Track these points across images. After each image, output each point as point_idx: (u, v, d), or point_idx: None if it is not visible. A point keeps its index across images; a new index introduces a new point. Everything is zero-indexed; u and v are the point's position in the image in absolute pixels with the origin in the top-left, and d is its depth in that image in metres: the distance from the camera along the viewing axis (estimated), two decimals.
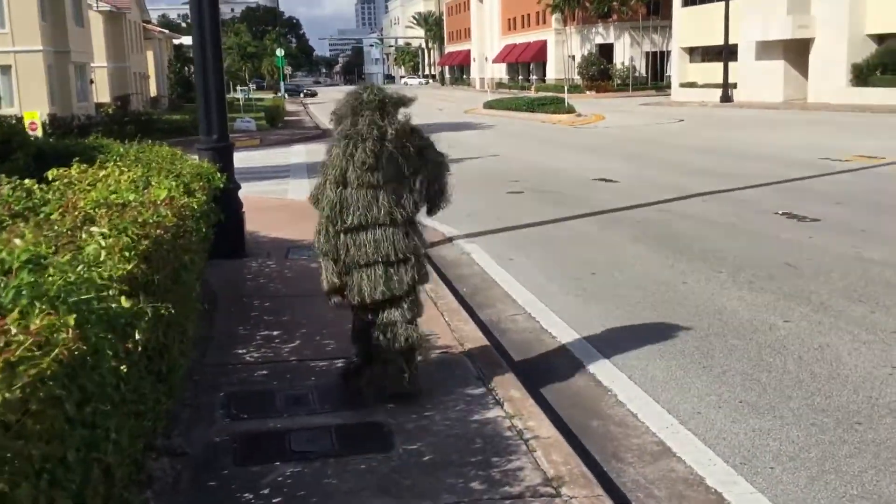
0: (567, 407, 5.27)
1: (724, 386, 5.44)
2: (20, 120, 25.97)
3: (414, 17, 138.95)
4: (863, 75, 38.04)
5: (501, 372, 5.47)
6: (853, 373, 5.53)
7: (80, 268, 2.43)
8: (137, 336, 2.59)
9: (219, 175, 7.28)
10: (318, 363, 5.71)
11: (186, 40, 79.47)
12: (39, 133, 23.34)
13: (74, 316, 2.00)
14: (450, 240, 10.66)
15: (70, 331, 1.96)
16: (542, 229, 11.17)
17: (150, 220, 3.35)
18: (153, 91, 64.11)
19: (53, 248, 2.78)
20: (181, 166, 6.56)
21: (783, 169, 16.13)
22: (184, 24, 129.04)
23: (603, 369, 5.85)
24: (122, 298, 2.39)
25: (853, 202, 12.10)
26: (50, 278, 2.22)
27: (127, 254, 2.74)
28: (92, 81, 45.92)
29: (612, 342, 6.41)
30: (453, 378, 5.37)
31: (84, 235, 2.88)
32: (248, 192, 14.64)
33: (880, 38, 38.66)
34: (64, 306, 2.12)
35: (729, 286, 7.86)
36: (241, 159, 22.28)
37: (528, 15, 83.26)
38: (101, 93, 49.36)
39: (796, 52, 42.83)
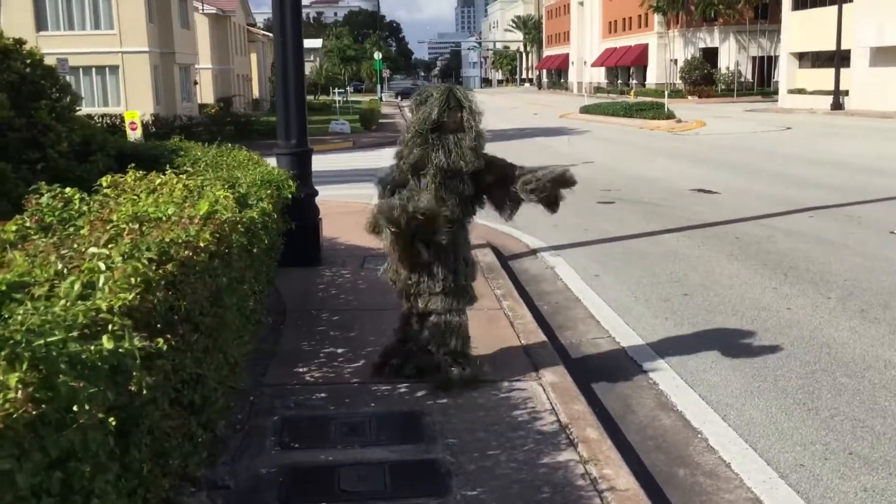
0: (650, 450, 4.74)
1: (831, 433, 4.80)
2: (122, 119, 26.74)
3: (513, 21, 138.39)
4: None
5: (578, 407, 4.97)
6: None
7: (61, 302, 2.10)
8: (138, 378, 2.24)
9: (290, 183, 7.00)
10: (381, 387, 5.33)
11: None
12: (139, 133, 23.91)
13: (16, 375, 1.65)
14: (534, 252, 10.17)
15: (19, 389, 1.62)
16: (632, 243, 10.55)
17: (180, 240, 3.02)
18: (255, 93, 65.55)
19: (58, 271, 2.47)
20: (244, 174, 6.28)
21: None
22: None
23: (693, 407, 5.28)
24: (105, 338, 2.04)
25: None
26: (19, 316, 1.89)
27: (132, 281, 2.40)
28: (196, 83, 47.15)
29: (705, 375, 5.82)
30: (524, 411, 4.90)
31: (87, 259, 2.55)
32: (333, 196, 14.54)
33: None
34: (28, 353, 1.77)
35: (839, 314, 7.13)
36: (331, 162, 22.41)
37: (630, 18, 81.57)
38: (206, 94, 50.71)
39: None
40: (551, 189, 5.32)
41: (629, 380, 5.84)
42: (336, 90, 59.47)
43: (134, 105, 34.56)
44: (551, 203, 5.41)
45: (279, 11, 8.54)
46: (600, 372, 5.99)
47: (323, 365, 5.76)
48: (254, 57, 66.22)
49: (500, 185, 5.37)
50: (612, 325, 7.08)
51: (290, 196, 6.95)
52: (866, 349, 6.21)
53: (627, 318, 7.29)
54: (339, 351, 6.05)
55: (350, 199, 14.80)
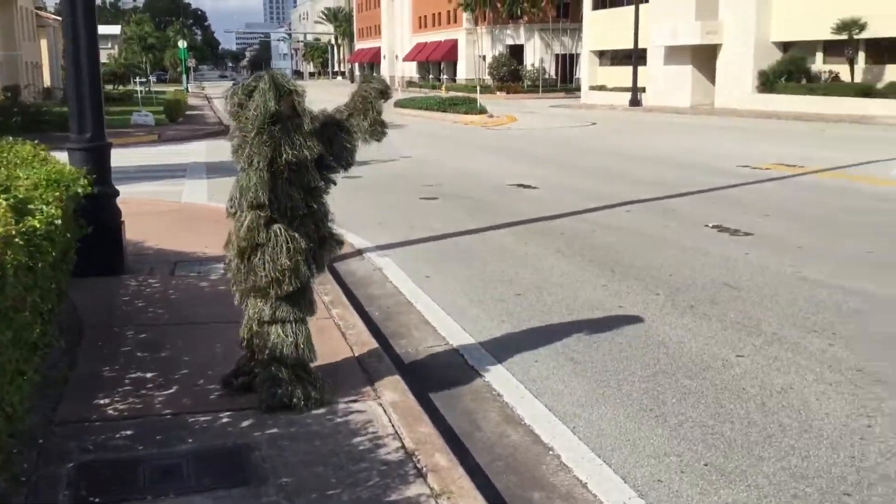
0: (501, 472, 4.38)
1: (683, 442, 4.64)
2: None
3: (323, 13, 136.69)
4: (768, 82, 38.65)
5: (423, 429, 4.53)
6: (826, 424, 4.81)
7: None
8: None
9: (84, 181, 6.11)
10: (199, 418, 4.65)
11: None
12: None
13: None
14: (360, 252, 9.67)
15: None
16: (460, 241, 10.29)
17: None
18: (47, 81, 60.66)
19: None
20: (27, 173, 5.37)
21: (704, 176, 15.72)
22: None
23: (541, 419, 4.98)
24: None
25: (782, 214, 11.64)
26: None
27: None
28: None
29: (548, 383, 5.56)
30: (365, 437, 4.41)
31: None
32: (138, 194, 13.35)
33: (785, 46, 39.39)
34: None
35: (669, 311, 7.13)
36: (134, 156, 20.82)
37: (439, 13, 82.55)
38: None
39: (704, 58, 43.31)
40: (375, 101, 4.92)
41: (472, 392, 5.48)
42: (138, 80, 56.03)
43: None
44: (377, 128, 4.94)
45: None
46: (441, 384, 5.59)
47: (128, 394, 4.99)
48: (44, 43, 61.25)
49: (335, 138, 4.87)
50: (449, 331, 6.71)
51: (83, 197, 6.07)
52: (702, 347, 6.19)
53: (463, 322, 6.95)
54: (148, 375, 5.29)
55: (157, 197, 13.68)
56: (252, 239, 4.60)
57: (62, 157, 7.73)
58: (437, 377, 5.73)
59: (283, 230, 4.62)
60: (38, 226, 4.21)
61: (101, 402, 4.86)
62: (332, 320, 6.54)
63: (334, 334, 6.21)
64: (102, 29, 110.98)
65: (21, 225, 3.74)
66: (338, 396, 4.94)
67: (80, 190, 5.81)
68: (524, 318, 7.05)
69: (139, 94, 46.73)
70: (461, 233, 10.74)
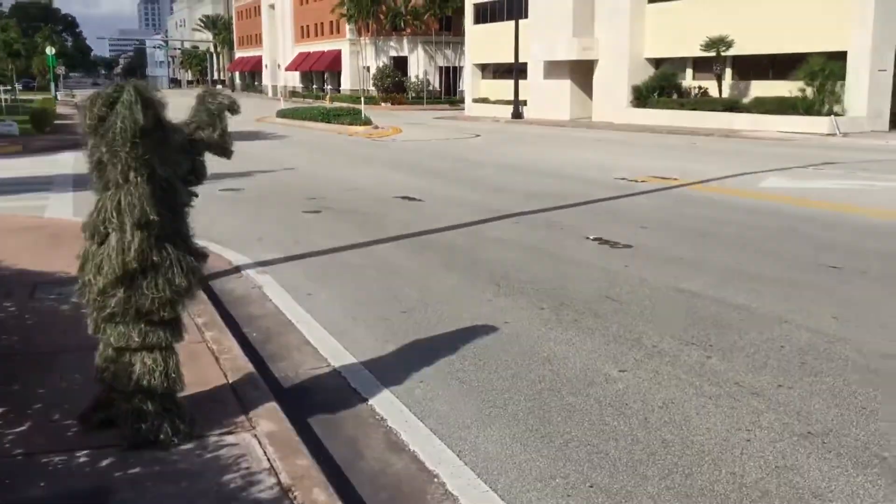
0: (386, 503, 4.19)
1: (569, 463, 4.56)
2: None
3: (201, 20, 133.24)
4: (642, 97, 39.96)
5: (301, 462, 4.28)
6: (707, 440, 4.84)
7: None
8: None
9: None
10: (54, 458, 4.26)
11: None
12: None
13: None
14: (238, 270, 9.29)
15: None
16: (344, 256, 10.04)
17: None
18: None
19: None
20: None
21: (585, 188, 15.99)
22: None
23: (426, 444, 4.82)
24: None
25: (659, 226, 11.92)
26: None
27: None
28: None
29: (433, 405, 5.40)
30: (237, 474, 4.13)
31: None
32: None
33: (657, 62, 40.86)
34: None
35: (554, 325, 7.11)
36: None
37: (322, 24, 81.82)
38: None
39: (582, 73, 44.46)
40: (222, 117, 4.62)
41: (355, 417, 5.26)
42: (1, 88, 53.07)
43: None
44: (224, 144, 4.67)
45: None
46: (323, 409, 5.36)
47: None
48: None
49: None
50: (331, 352, 6.47)
51: None
52: (586, 362, 6.17)
53: (346, 342, 6.72)
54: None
55: (17, 212, 12.84)
56: (144, 260, 4.23)
57: None
58: (318, 402, 5.49)
59: (173, 249, 4.31)
60: None
61: None
62: (205, 344, 6.19)
63: (207, 360, 5.87)
64: None
65: None
66: (209, 429, 4.64)
67: None
68: (409, 336, 6.88)
69: (3, 103, 44.29)
70: (346, 247, 10.50)
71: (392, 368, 6.08)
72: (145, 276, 4.25)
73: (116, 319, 4.35)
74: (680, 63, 39.64)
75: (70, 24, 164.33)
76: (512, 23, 45.97)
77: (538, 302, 7.87)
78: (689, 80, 39.47)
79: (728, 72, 36.95)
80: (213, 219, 12.46)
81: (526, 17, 46.31)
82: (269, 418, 4.84)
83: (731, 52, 35.25)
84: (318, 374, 6.03)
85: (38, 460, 4.23)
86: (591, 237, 11.01)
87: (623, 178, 17.58)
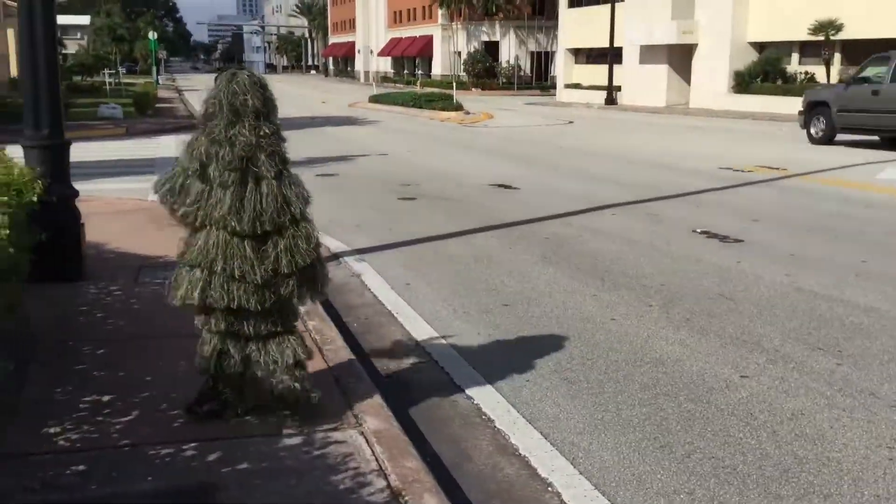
0: None
1: (693, 478, 4.25)
2: None
3: (297, 6, 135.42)
4: (744, 82, 38.57)
5: (410, 464, 4.10)
6: (845, 456, 4.45)
7: None
8: None
9: (37, 185, 5.61)
10: (161, 450, 4.19)
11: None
12: None
13: None
14: (336, 257, 9.21)
15: None
16: (441, 245, 9.86)
17: None
18: (13, 72, 59.19)
19: None
20: None
21: (686, 178, 15.41)
22: None
23: (537, 449, 4.58)
24: None
25: (771, 220, 11.34)
26: None
27: None
28: None
29: (542, 406, 5.15)
30: (346, 475, 3.97)
31: None
32: (101, 192, 12.78)
33: (761, 47, 39.35)
34: None
35: (664, 325, 6.76)
36: (100, 151, 20.14)
37: (415, 9, 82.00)
38: None
39: (680, 57, 43.19)
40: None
41: (461, 416, 5.06)
42: (107, 71, 54.92)
43: None
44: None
45: None
46: (427, 407, 5.17)
47: (83, 421, 4.51)
48: (10, 32, 59.68)
49: None
50: (433, 346, 6.29)
51: (35, 201, 5.57)
52: (702, 366, 5.82)
53: (447, 335, 6.53)
54: (105, 399, 4.81)
55: (122, 195, 13.11)
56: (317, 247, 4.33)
57: (19, 153, 7.22)
58: (421, 398, 5.31)
59: None
60: None
61: (53, 431, 4.38)
62: (307, 333, 6.08)
63: (312, 349, 5.74)
64: (72, 19, 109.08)
65: None
66: (315, 423, 4.50)
67: (34, 197, 5.30)
68: (512, 331, 6.64)
69: (108, 86, 45.84)
70: (442, 236, 10.32)
71: (496, 365, 5.85)
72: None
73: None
74: (785, 47, 38.06)
75: (171, 9, 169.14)
76: (608, 6, 44.96)
77: (645, 298, 7.52)
78: (794, 66, 37.88)
79: (837, 57, 35.29)
80: (311, 205, 12.46)
81: None
82: (375, 415, 4.68)
83: (841, 35, 33.63)
84: (421, 368, 5.86)
85: (145, 452, 4.16)
86: (699, 230, 10.54)
87: (728, 168, 16.89)
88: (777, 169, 16.73)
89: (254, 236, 4.15)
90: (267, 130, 4.16)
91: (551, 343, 6.31)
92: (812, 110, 22.42)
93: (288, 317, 4.43)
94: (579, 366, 5.84)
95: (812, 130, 22.22)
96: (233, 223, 4.11)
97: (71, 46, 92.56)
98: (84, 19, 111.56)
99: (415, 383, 5.57)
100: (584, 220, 11.34)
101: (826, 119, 21.74)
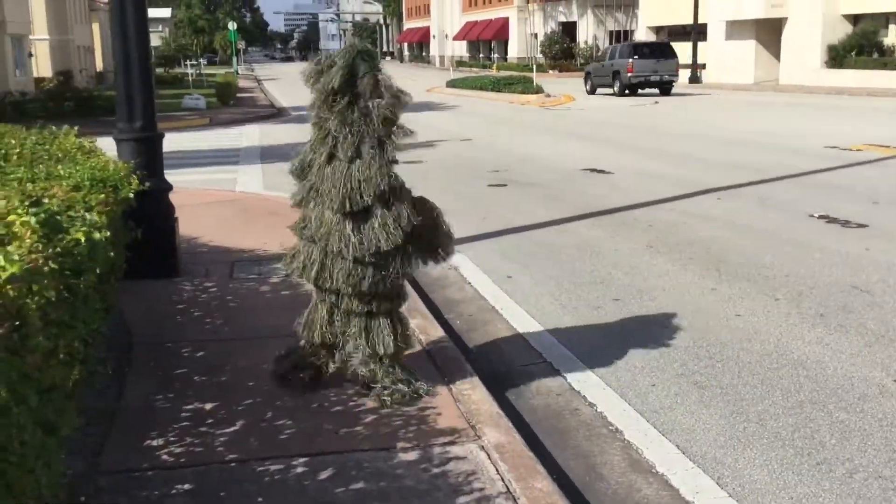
0: None
1: (861, 501, 3.74)
2: None
3: None
4: (838, 57, 36.90)
5: (540, 485, 3.70)
6: None
7: None
8: None
9: (132, 180, 5.39)
10: (270, 466, 3.89)
11: None
12: None
13: None
14: None
15: None
16: (539, 234, 9.41)
17: None
18: (99, 66, 60.81)
19: None
20: (68, 170, 4.65)
21: (790, 159, 14.57)
22: None
23: (675, 466, 4.12)
24: None
25: (892, 202, 10.54)
26: None
27: None
28: (31, 55, 42.94)
29: (674, 415, 4.69)
30: (470, 497, 3.60)
31: None
32: (189, 183, 12.70)
33: (855, 19, 37.55)
34: None
35: (796, 321, 6.19)
36: (185, 141, 20.26)
37: None
38: (42, 67, 46.35)
39: (768, 32, 41.60)
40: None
41: (585, 425, 4.63)
42: (188, 62, 55.92)
43: None
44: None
45: None
46: (546, 415, 4.77)
47: (185, 432, 4.25)
48: (96, 27, 61.36)
49: None
50: (543, 345, 5.87)
51: (132, 197, 5.35)
52: (848, 369, 5.26)
53: (557, 332, 6.10)
54: (207, 407, 4.55)
55: (210, 185, 13.04)
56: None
57: (111, 143, 7.07)
58: (539, 406, 4.91)
59: None
60: (80, 238, 3.46)
61: (154, 443, 4.13)
62: (412, 335, 5.72)
63: (415, 351, 5.39)
64: (153, 12, 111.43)
65: (54, 245, 2.98)
66: (431, 436, 4.15)
67: (130, 194, 5.07)
68: (628, 328, 6.17)
69: (190, 77, 46.60)
70: (538, 224, 9.87)
71: (616, 367, 5.41)
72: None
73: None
74: (881, 19, 36.20)
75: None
76: None
77: (770, 291, 6.94)
78: (891, 38, 36.01)
79: None
80: None
81: None
82: (493, 426, 4.29)
83: None
84: (534, 371, 5.44)
85: (254, 469, 3.86)
86: (816, 215, 9.83)
87: (834, 147, 15.94)
88: (888, 147, 15.71)
89: (351, 214, 4.28)
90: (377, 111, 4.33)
91: (673, 342, 5.82)
92: None
93: (387, 299, 4.53)
94: (708, 368, 5.35)
95: None
96: (328, 200, 4.28)
97: (153, 39, 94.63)
98: (165, 12, 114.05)
99: (530, 388, 5.17)
100: (688, 206, 10.73)
101: None
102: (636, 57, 34.81)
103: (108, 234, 3.78)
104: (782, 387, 5.02)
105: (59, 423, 2.89)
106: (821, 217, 9.69)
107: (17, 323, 2.19)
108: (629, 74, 34.43)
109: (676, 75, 35.79)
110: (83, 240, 3.55)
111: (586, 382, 5.19)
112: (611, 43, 69.46)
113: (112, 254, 4.31)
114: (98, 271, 3.78)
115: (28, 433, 2.26)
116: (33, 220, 2.83)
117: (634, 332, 6.07)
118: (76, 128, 6.95)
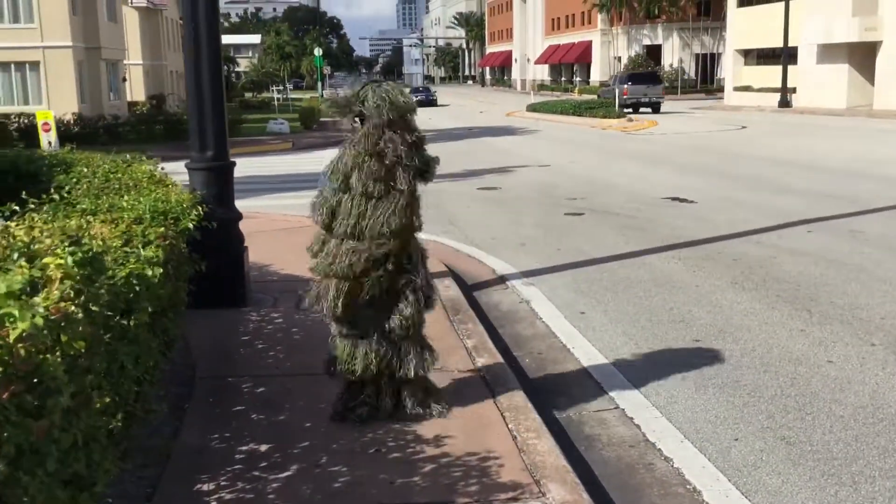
0: None
1: None
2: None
3: (455, 18, 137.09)
4: None
5: None
6: None
7: None
8: None
9: (196, 212, 5.32)
10: None
11: (226, 39, 78.13)
12: (53, 134, 21.75)
13: None
14: (502, 280, 8.61)
15: None
16: (616, 267, 9.05)
17: None
18: None
19: None
20: (131, 201, 4.59)
21: (886, 189, 13.84)
22: (225, 24, 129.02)
23: None
24: None
25: None
26: None
27: None
28: (125, 79, 44.55)
29: (760, 475, 4.31)
30: None
31: None
32: (268, 208, 12.79)
33: None
34: None
35: (894, 370, 5.71)
36: (268, 165, 20.57)
37: (573, 15, 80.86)
38: (136, 91, 48.13)
39: (862, 56, 40.08)
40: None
41: (659, 483, 4.30)
42: (275, 88, 57.24)
43: (57, 103, 32.17)
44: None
45: None
46: (618, 471, 4.45)
47: (238, 476, 4.09)
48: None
49: None
50: (617, 390, 5.54)
51: (202, 221, 5.28)
52: None
53: (632, 376, 5.77)
54: (262, 449, 4.39)
55: (287, 211, 13.06)
56: None
57: None
58: (611, 458, 4.59)
59: None
60: (132, 273, 3.35)
61: (206, 487, 3.98)
62: (477, 375, 5.48)
63: (480, 392, 5.14)
64: (244, 39, 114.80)
65: (98, 286, 2.85)
66: (493, 491, 3.89)
67: (190, 225, 4.99)
68: (709, 374, 5.79)
69: (276, 102, 47.63)
70: (615, 257, 9.52)
71: (696, 417, 5.05)
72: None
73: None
74: None
75: (335, 26, 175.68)
76: (781, 3, 42.40)
77: (866, 336, 6.45)
78: None
79: None
80: (474, 221, 12.00)
81: None
82: (560, 482, 4.01)
83: None
84: (607, 420, 5.13)
85: None
86: None
87: None
88: None
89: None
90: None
91: (758, 390, 5.43)
92: None
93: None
94: (797, 421, 4.94)
95: None
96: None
97: (243, 64, 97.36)
98: (255, 38, 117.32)
99: (601, 438, 4.86)
100: (776, 239, 10.21)
101: None
102: (630, 83, 43.12)
103: (161, 270, 3.66)
104: (879, 445, 4.59)
105: (93, 478, 2.75)
106: None
107: (36, 380, 2.05)
108: (625, 97, 41.37)
109: (662, 98, 43.93)
110: (133, 277, 3.45)
111: (663, 434, 4.85)
112: (696, 66, 68.65)
113: (168, 289, 4.22)
114: (150, 309, 3.67)
115: (43, 496, 2.10)
116: (70, 259, 2.71)
117: (716, 378, 5.70)
118: (145, 156, 6.98)
